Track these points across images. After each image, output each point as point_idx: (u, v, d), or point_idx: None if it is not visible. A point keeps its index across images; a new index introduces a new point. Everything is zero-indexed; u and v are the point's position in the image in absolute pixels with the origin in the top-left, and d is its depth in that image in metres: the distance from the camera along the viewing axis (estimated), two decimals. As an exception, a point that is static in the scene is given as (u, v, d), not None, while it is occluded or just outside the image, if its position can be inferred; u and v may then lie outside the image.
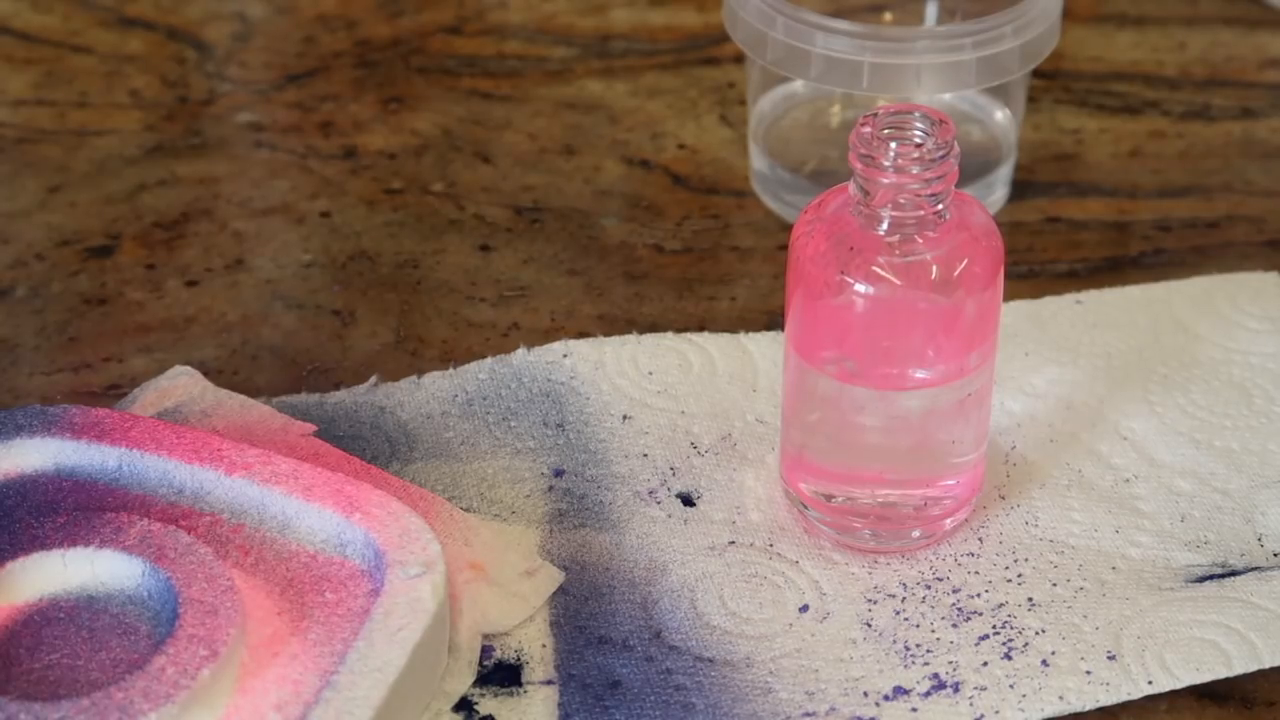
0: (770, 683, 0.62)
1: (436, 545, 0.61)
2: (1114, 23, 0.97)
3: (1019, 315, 0.76)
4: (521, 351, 0.73)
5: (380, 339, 0.76)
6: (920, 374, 0.63)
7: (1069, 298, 0.77)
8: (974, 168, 0.82)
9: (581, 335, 0.75)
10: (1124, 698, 0.61)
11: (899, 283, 0.62)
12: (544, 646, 0.63)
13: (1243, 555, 0.67)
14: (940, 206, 0.62)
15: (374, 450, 0.70)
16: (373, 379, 0.73)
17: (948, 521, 0.67)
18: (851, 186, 0.62)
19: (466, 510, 0.67)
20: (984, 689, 0.61)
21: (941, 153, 0.61)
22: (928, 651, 0.63)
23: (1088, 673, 0.62)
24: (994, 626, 0.64)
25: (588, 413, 0.71)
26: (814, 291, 0.63)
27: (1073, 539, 0.67)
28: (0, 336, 0.76)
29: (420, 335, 0.76)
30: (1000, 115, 0.85)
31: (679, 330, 0.76)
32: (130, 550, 0.60)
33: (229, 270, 0.80)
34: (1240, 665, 0.62)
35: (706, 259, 0.80)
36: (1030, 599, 0.65)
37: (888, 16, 0.88)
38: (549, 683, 0.62)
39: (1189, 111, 0.90)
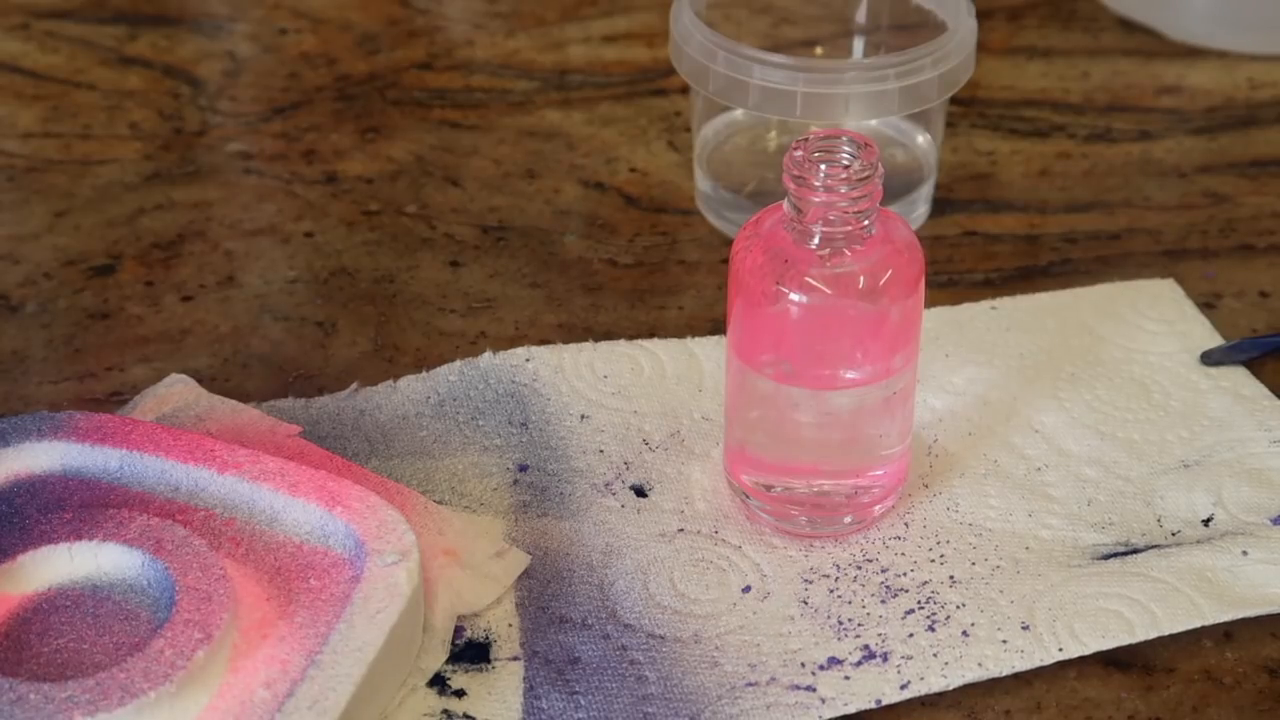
0: (716, 657, 0.62)
1: (411, 535, 0.61)
2: (1024, 54, 0.97)
3: (939, 320, 0.76)
4: (488, 355, 0.73)
5: (359, 348, 0.76)
6: (850, 374, 0.63)
7: (985, 304, 0.78)
8: (897, 187, 0.82)
9: (543, 343, 0.75)
10: (1037, 664, 0.61)
11: (829, 292, 0.62)
12: (510, 626, 0.63)
13: (1143, 535, 0.67)
14: (866, 222, 0.62)
15: (354, 449, 0.70)
16: (353, 384, 0.73)
17: (877, 508, 0.67)
18: (786, 205, 0.62)
19: (439, 503, 0.67)
20: (910, 658, 0.61)
21: (867, 174, 0.61)
22: (859, 625, 0.63)
23: (1004, 642, 0.62)
24: (919, 602, 0.64)
25: (549, 412, 0.71)
26: (753, 300, 0.63)
27: (990, 522, 0.67)
28: (12, 349, 0.75)
29: (396, 344, 0.76)
30: (921, 139, 0.85)
31: (631, 337, 0.76)
32: (131, 543, 0.60)
33: (221, 286, 0.79)
34: (1142, 633, 0.62)
35: (656, 272, 0.80)
36: (951, 577, 0.65)
37: (819, 50, 0.89)
38: (515, 659, 0.62)
39: (1092, 134, 0.90)
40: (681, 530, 0.67)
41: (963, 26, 0.78)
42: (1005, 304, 0.77)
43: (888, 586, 0.64)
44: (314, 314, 0.78)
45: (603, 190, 0.86)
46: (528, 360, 0.73)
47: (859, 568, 0.65)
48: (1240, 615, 0.63)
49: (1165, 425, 0.71)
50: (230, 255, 0.81)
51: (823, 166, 0.61)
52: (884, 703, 0.60)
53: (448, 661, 0.61)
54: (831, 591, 0.64)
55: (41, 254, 0.81)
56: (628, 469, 0.69)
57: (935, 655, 0.61)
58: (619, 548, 0.66)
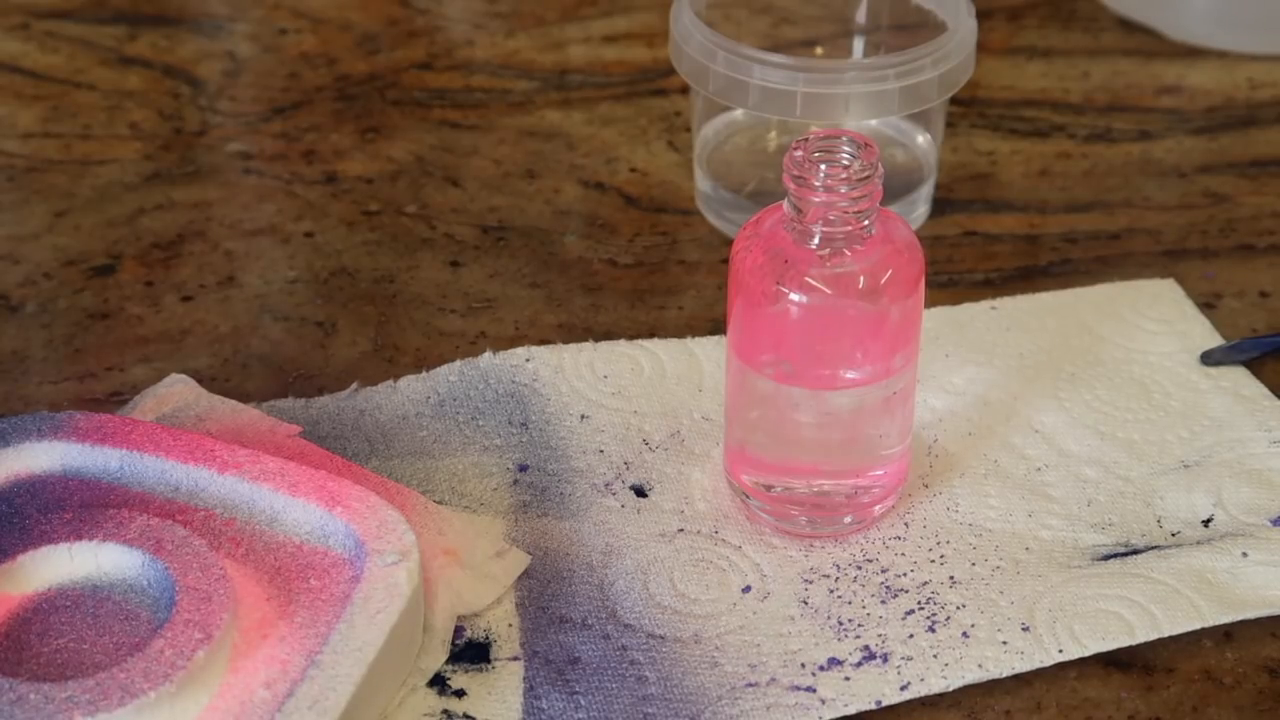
0: (716, 657, 0.62)
1: (411, 535, 0.61)
2: (1024, 54, 0.97)
3: (940, 320, 0.76)
4: (488, 355, 0.73)
5: (359, 348, 0.76)
6: (850, 374, 0.63)
7: (985, 304, 0.78)
8: (897, 187, 0.82)
9: (543, 343, 0.75)
10: (1037, 665, 0.61)
11: (829, 292, 0.62)
12: (510, 626, 0.63)
13: (1143, 535, 0.67)
14: (866, 222, 0.62)
15: (354, 449, 0.70)
16: (353, 384, 0.73)
17: (877, 508, 0.67)
18: (786, 205, 0.62)
19: (439, 503, 0.67)
20: (910, 659, 0.61)
21: (867, 173, 0.61)
22: (859, 626, 0.63)
23: (1004, 643, 0.62)
24: (919, 602, 0.64)
25: (549, 413, 0.71)
26: (753, 300, 0.63)
27: (990, 523, 0.67)
28: (12, 349, 0.75)
29: (396, 344, 0.76)
30: (921, 139, 0.85)
31: (631, 337, 0.76)
32: (131, 543, 0.60)
33: (221, 286, 0.79)
34: (1142, 634, 0.62)
35: (656, 272, 0.80)
36: (952, 577, 0.65)
37: (819, 50, 0.89)
38: (515, 659, 0.62)
39: (1092, 134, 0.90)
40: (681, 530, 0.67)
41: (963, 26, 0.78)
42: (1005, 304, 0.77)
43: (888, 587, 0.64)
44: (314, 314, 0.78)
45: (603, 190, 0.86)
46: (528, 360, 0.73)
47: (859, 568, 0.65)
48: (1240, 617, 0.63)
49: (1165, 425, 0.71)
50: (230, 255, 0.81)
51: (823, 166, 0.61)
52: (884, 704, 0.60)
53: (448, 661, 0.61)
54: (831, 592, 0.64)
55: (41, 254, 0.81)
56: (628, 469, 0.69)
57: (935, 656, 0.61)
58: (619, 548, 0.66)
